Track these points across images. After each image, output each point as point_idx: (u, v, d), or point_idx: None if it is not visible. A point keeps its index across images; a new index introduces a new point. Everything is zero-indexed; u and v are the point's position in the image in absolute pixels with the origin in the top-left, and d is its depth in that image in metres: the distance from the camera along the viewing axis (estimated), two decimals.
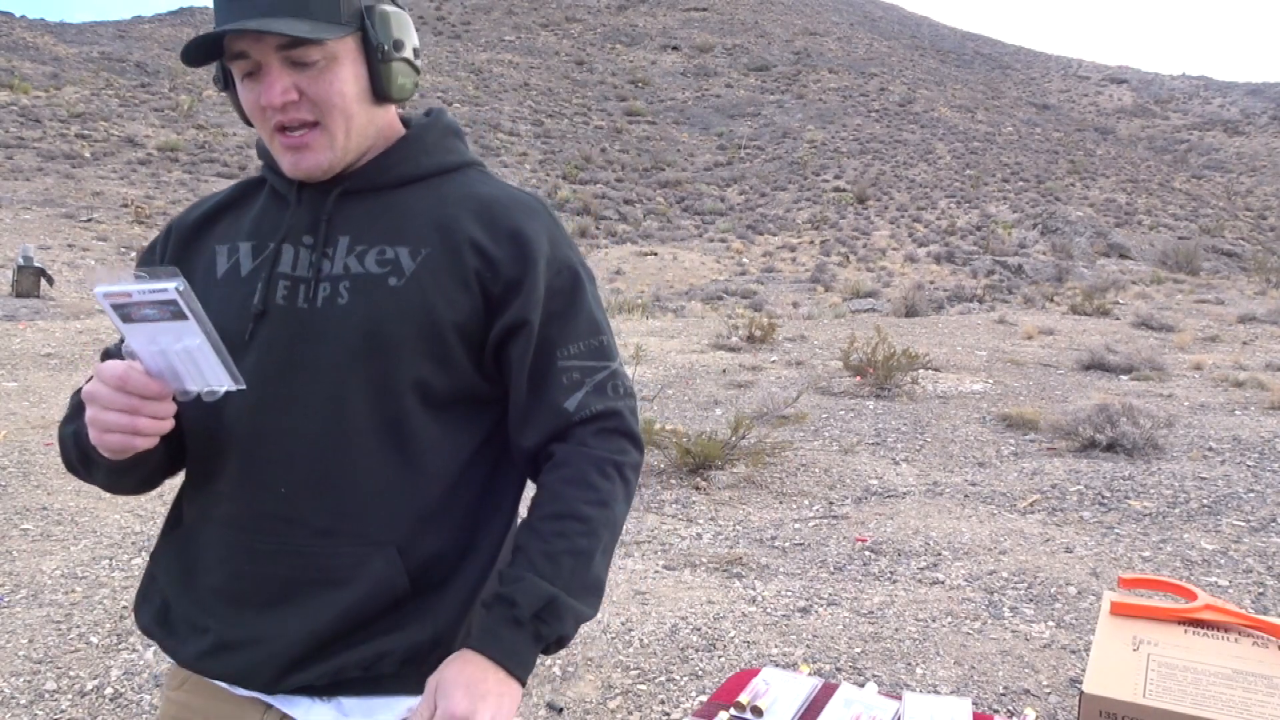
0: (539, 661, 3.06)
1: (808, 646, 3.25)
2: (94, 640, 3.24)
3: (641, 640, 3.27)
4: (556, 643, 1.03)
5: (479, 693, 0.96)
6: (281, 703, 1.08)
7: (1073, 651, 3.21)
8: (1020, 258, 27.81)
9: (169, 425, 0.98)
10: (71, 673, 3.01)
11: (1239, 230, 38.82)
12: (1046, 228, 33.09)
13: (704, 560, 4.20)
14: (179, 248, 1.17)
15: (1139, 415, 6.27)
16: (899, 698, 1.52)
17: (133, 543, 4.23)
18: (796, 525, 4.76)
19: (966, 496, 5.28)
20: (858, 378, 8.68)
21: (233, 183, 1.24)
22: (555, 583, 1.02)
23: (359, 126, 1.08)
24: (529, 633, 1.00)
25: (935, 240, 32.08)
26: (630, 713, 2.82)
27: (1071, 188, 41.15)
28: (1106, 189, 41.78)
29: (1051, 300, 19.80)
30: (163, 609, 1.14)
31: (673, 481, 5.50)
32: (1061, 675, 3.05)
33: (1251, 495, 5.09)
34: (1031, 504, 5.10)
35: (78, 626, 3.34)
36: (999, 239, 31.26)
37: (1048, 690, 2.96)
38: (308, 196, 1.11)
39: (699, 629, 3.37)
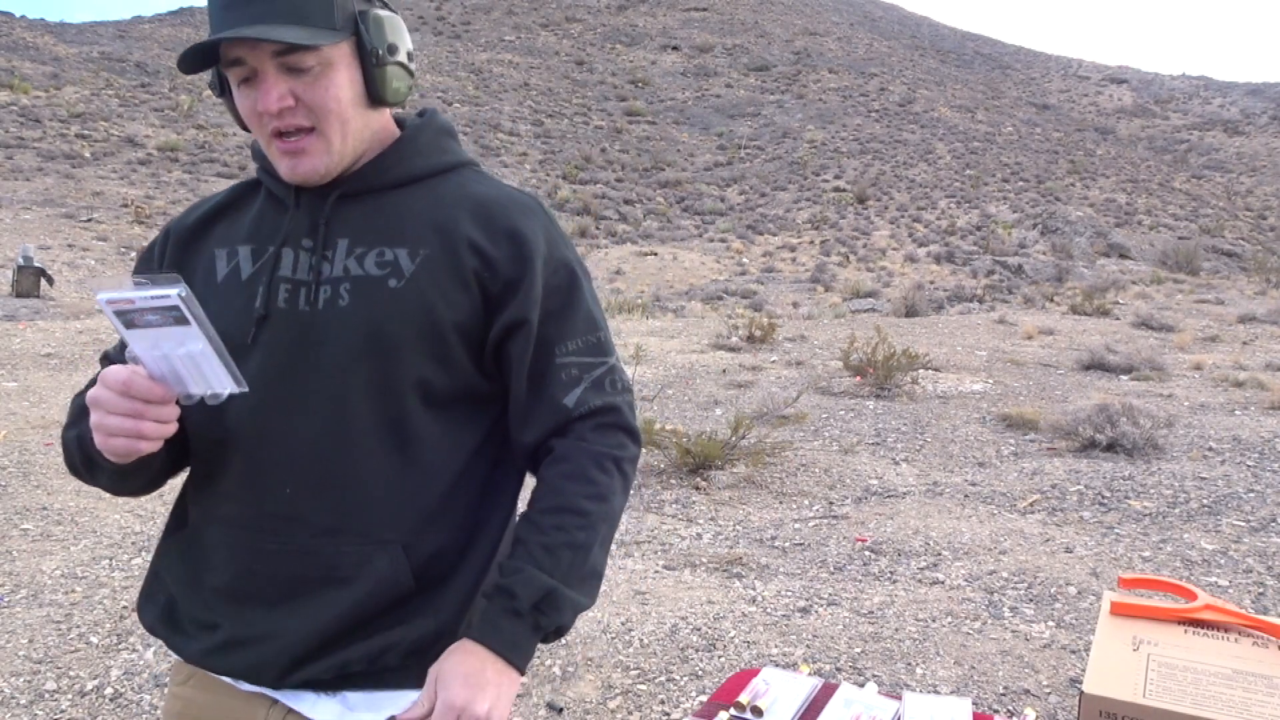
0: (539, 662, 3.06)
1: (808, 646, 3.25)
2: (94, 640, 3.24)
3: (641, 640, 3.27)
4: (555, 632, 1.06)
5: (478, 682, 0.99)
6: (287, 697, 1.09)
7: (1073, 651, 3.21)
8: (1020, 258, 27.82)
9: (173, 429, 0.99)
10: (71, 673, 3.01)
11: (1239, 230, 38.81)
12: (1046, 228, 33.08)
13: (704, 560, 4.20)
14: (178, 251, 1.18)
15: (1139, 415, 6.27)
16: (899, 698, 1.52)
17: (133, 543, 4.23)
18: (796, 525, 4.76)
19: (966, 496, 5.28)
20: (858, 378, 8.68)
21: (230, 184, 1.24)
22: (554, 575, 1.04)
23: (355, 131, 1.09)
24: (528, 623, 1.03)
25: (935, 240, 32.07)
26: (630, 713, 2.82)
27: (1071, 188, 41.14)
28: (1106, 189, 41.77)
29: (1051, 300, 19.81)
30: (168, 607, 1.15)
31: (673, 481, 5.50)
32: (1061, 675, 3.05)
33: (1251, 495, 5.09)
34: (1031, 504, 5.10)
35: (78, 626, 3.34)
36: (999, 239, 31.26)
37: (1048, 690, 2.96)
38: (306, 200, 1.12)
39: (699, 629, 3.37)
